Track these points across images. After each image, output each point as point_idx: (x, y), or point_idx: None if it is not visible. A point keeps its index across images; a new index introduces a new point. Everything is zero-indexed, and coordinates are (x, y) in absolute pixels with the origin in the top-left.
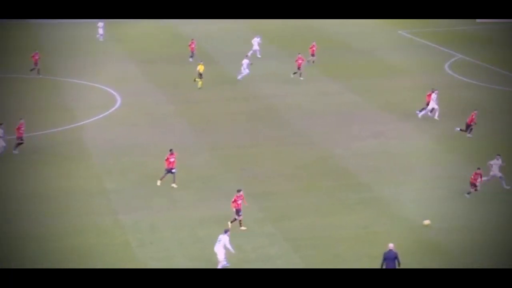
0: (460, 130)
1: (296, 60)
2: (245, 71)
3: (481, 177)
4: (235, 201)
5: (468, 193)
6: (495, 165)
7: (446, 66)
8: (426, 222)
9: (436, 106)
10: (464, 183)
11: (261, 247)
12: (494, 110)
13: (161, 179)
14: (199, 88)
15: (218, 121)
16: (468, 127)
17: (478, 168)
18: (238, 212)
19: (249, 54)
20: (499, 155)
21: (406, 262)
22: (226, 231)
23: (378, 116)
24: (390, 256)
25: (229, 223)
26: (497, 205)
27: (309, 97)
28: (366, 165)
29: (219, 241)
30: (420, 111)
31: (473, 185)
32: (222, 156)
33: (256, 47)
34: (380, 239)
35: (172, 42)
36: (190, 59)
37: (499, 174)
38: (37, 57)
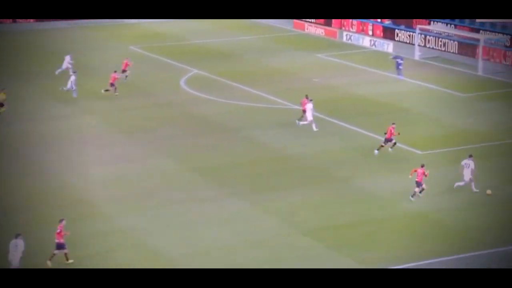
0: (381, 146)
1: (112, 77)
2: (73, 87)
3: (425, 175)
4: (59, 232)
5: (413, 196)
6: (467, 167)
7: (182, 82)
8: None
9: (311, 117)
10: (205, 205)
11: None
12: (234, 126)
13: None
14: None
15: None
16: (388, 142)
17: (422, 166)
18: (61, 246)
19: (61, 71)
20: (471, 155)
21: None
22: (17, 235)
23: (114, 139)
24: None
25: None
26: (241, 225)
27: (36, 122)
28: (105, 193)
29: (16, 246)
30: (300, 120)
31: (419, 184)
32: None
33: (66, 65)
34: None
35: None
36: None
37: (470, 177)
38: None
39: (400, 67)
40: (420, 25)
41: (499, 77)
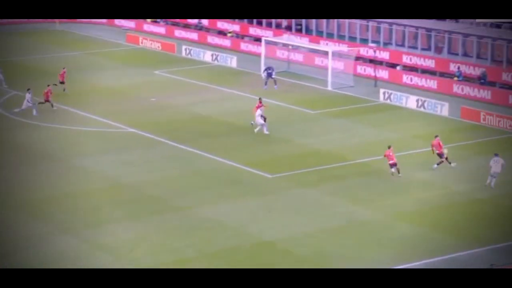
0: (438, 164)
1: (46, 93)
2: (27, 104)
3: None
4: None
5: (393, 174)
6: (496, 163)
7: None
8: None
9: (262, 121)
10: (28, 245)
11: None
12: (61, 153)
13: None
14: None
15: None
16: (442, 156)
17: (389, 147)
18: None
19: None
20: (497, 154)
21: None
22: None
23: None
24: None
25: None
26: (70, 266)
27: None
28: None
29: None
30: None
31: (394, 165)
32: None
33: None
34: None
35: None
36: None
37: (500, 170)
38: None
39: (272, 76)
40: (266, 37)
41: (349, 92)
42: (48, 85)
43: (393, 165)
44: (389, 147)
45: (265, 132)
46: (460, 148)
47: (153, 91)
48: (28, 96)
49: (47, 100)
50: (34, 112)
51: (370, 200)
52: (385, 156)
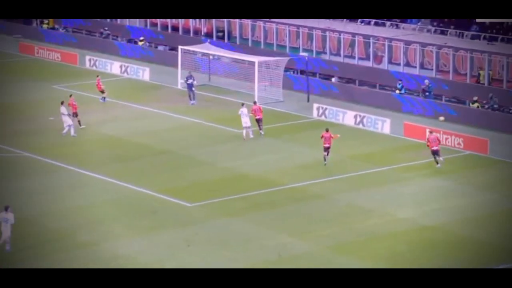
0: (438, 164)
1: (71, 104)
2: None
3: (332, 137)
4: None
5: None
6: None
7: None
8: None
9: (249, 124)
10: None
11: None
12: None
13: None
14: None
15: None
16: (436, 154)
17: (327, 130)
18: None
19: None
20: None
21: None
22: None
23: None
24: None
25: None
26: None
27: None
28: None
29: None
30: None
31: (327, 148)
32: None
33: None
34: None
35: None
36: None
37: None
38: None
39: (193, 88)
40: (183, 46)
41: (278, 108)
42: (70, 96)
43: (326, 148)
44: (326, 130)
45: (250, 135)
46: (404, 169)
47: (52, 108)
48: (64, 110)
49: (75, 114)
50: (66, 131)
51: (304, 230)
52: (322, 137)
